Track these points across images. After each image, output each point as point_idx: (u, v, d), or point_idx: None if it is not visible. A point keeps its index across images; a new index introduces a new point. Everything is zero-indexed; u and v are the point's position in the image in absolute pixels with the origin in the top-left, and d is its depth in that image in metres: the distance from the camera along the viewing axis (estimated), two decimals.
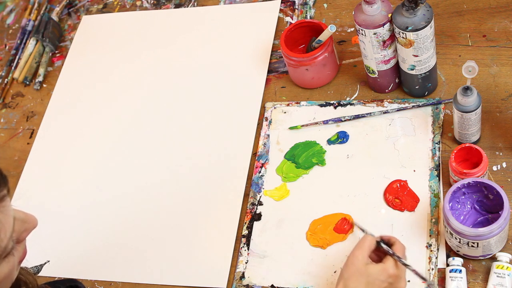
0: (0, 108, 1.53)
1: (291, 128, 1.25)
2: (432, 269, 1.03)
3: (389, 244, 0.95)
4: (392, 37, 1.11)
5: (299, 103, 1.28)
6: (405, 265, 0.93)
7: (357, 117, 1.22)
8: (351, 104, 1.24)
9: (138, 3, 1.58)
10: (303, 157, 1.21)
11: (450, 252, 1.04)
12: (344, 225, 1.11)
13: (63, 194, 1.32)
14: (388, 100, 1.22)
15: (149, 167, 1.30)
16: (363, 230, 0.99)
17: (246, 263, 1.13)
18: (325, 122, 1.23)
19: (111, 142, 1.36)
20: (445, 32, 1.27)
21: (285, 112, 1.28)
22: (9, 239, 0.70)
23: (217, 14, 1.49)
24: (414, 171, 1.13)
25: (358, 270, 0.91)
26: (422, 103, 1.19)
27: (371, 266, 0.91)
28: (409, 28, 1.05)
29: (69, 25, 1.62)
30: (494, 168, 1.09)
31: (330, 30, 1.20)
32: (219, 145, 1.28)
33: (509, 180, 1.08)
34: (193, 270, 1.15)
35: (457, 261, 1.00)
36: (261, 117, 1.29)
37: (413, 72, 1.14)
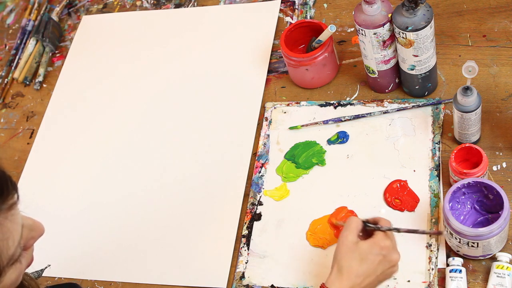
0: (0, 108, 1.53)
1: (291, 128, 1.25)
2: (432, 269, 1.03)
3: (375, 223, 0.96)
4: (392, 37, 1.11)
5: (299, 103, 1.28)
6: (395, 229, 0.94)
7: (357, 117, 1.22)
8: (351, 104, 1.24)
9: (138, 3, 1.58)
10: (303, 157, 1.21)
11: (450, 252, 1.04)
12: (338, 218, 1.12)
13: (63, 194, 1.32)
14: (388, 100, 1.22)
15: (149, 167, 1.30)
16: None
17: (246, 263, 1.13)
18: (325, 122, 1.23)
19: (111, 142, 1.36)
20: (445, 32, 1.27)
21: (285, 112, 1.28)
22: (17, 246, 0.70)
23: (217, 14, 1.49)
24: (414, 171, 1.13)
25: (349, 249, 0.92)
26: (422, 103, 1.19)
27: (361, 242, 0.92)
28: (409, 28, 1.05)
29: (69, 25, 1.62)
30: (494, 168, 1.09)
31: (330, 30, 1.20)
32: (219, 145, 1.28)
33: (509, 180, 1.08)
34: (193, 270, 1.15)
35: (457, 261, 1.00)
36: (261, 117, 1.29)
37: (413, 72, 1.14)
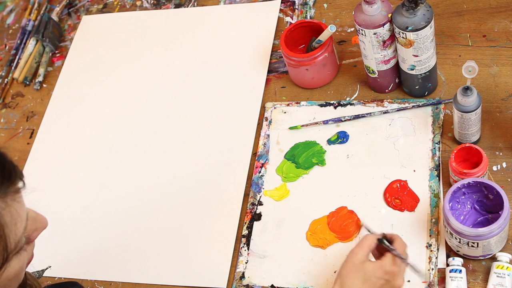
0: (0, 108, 1.53)
1: (291, 128, 1.25)
2: (432, 269, 1.03)
3: (390, 241, 0.95)
4: (392, 37, 1.11)
5: (299, 103, 1.28)
6: (402, 259, 0.92)
7: (357, 117, 1.22)
8: (351, 104, 1.24)
9: (138, 3, 1.58)
10: (303, 157, 1.21)
11: (450, 252, 1.04)
12: (349, 227, 1.11)
13: (63, 194, 1.32)
14: (388, 100, 1.22)
15: (149, 167, 1.30)
16: (369, 231, 0.99)
17: (246, 263, 1.13)
18: (325, 122, 1.23)
19: (111, 142, 1.36)
20: (445, 32, 1.27)
21: (285, 112, 1.28)
22: (23, 233, 0.72)
23: (217, 14, 1.49)
24: (414, 171, 1.13)
25: (355, 267, 0.91)
26: (422, 103, 1.19)
27: (368, 263, 0.91)
28: (409, 28, 1.05)
29: (69, 25, 1.62)
30: (494, 168, 1.09)
31: (330, 30, 1.20)
32: (219, 145, 1.28)
33: (509, 180, 1.08)
34: (193, 270, 1.15)
35: (457, 261, 1.00)
36: (261, 117, 1.29)
37: (413, 72, 1.14)
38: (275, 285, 1.09)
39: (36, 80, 1.53)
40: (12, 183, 0.70)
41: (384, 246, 0.94)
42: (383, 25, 1.08)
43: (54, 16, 1.61)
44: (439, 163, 1.12)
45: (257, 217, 1.17)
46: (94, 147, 1.37)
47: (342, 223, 1.11)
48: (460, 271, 0.99)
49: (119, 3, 1.60)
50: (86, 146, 1.38)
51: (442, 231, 1.05)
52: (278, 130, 1.26)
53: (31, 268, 0.80)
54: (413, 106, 1.19)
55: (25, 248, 0.73)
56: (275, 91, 1.32)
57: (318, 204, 1.15)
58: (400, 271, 0.92)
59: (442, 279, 1.02)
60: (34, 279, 0.87)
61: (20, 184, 0.72)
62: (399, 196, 1.11)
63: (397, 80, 1.21)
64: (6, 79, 1.56)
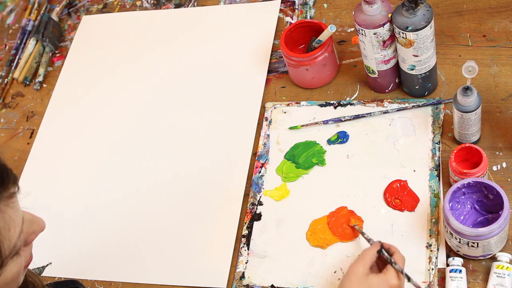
0: (0, 108, 1.53)
1: (291, 128, 1.25)
2: (432, 269, 1.03)
3: (389, 254, 0.95)
4: (392, 37, 1.11)
5: (299, 103, 1.28)
6: (407, 277, 0.93)
7: (357, 117, 1.22)
8: (351, 104, 1.24)
9: (138, 3, 1.58)
10: (303, 157, 1.21)
11: (450, 252, 1.04)
12: (349, 227, 1.11)
13: (63, 194, 1.32)
14: (388, 100, 1.22)
15: (149, 167, 1.30)
16: (368, 241, 1.00)
17: (246, 263, 1.13)
18: (325, 122, 1.23)
19: (111, 143, 1.36)
20: (445, 32, 1.27)
21: (285, 112, 1.28)
22: (18, 238, 0.70)
23: (217, 14, 1.49)
24: (414, 171, 1.13)
25: (358, 281, 0.91)
26: (422, 103, 1.19)
27: (372, 276, 0.91)
28: (409, 28, 1.05)
29: (69, 25, 1.62)
30: (494, 168, 1.09)
31: (330, 30, 1.20)
32: (219, 145, 1.28)
33: (509, 180, 1.08)
34: (193, 270, 1.15)
35: (457, 261, 1.00)
36: (261, 117, 1.29)
37: (413, 72, 1.14)
38: (275, 285, 1.09)
39: (36, 80, 1.53)
40: (5, 189, 0.69)
41: (383, 256, 0.94)
42: (383, 25, 1.08)
43: (54, 16, 1.61)
44: (439, 163, 1.12)
45: (257, 217, 1.17)
46: (94, 147, 1.37)
47: (342, 223, 1.11)
48: (460, 271, 0.99)
49: (119, 3, 1.60)
50: (86, 146, 1.38)
51: (442, 231, 1.05)
52: (278, 130, 1.26)
53: (32, 265, 0.80)
54: (413, 106, 1.19)
55: (22, 251, 0.72)
56: (275, 91, 1.32)
57: (318, 204, 1.15)
58: (403, 284, 0.93)
59: (442, 279, 1.02)
60: (35, 275, 0.86)
61: (14, 189, 0.70)
62: (399, 196, 1.11)
63: (397, 80, 1.21)
64: (6, 79, 1.56)
